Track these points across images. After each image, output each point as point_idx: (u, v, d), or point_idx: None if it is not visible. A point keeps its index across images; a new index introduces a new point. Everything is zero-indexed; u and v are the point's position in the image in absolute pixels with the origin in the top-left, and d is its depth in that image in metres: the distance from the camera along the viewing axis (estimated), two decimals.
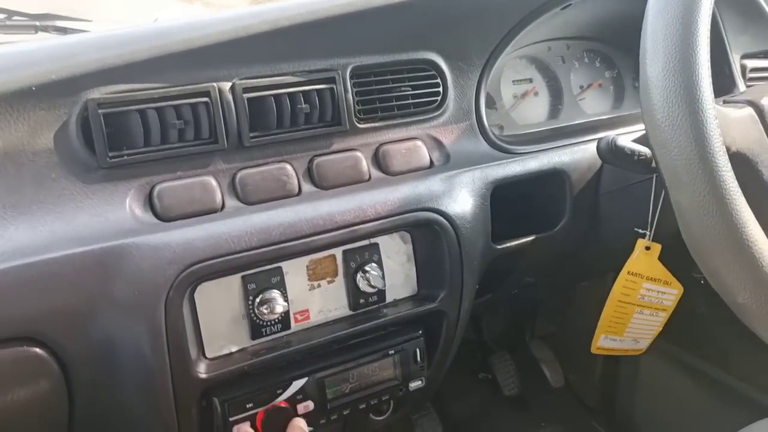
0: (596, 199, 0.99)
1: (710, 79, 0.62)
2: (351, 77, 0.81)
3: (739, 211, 0.60)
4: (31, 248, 0.63)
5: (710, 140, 0.60)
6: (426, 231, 0.84)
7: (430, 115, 0.88)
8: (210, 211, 0.72)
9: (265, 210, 0.74)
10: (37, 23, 1.20)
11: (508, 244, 0.93)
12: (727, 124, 0.67)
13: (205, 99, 0.73)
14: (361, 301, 0.83)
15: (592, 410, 1.59)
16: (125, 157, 0.69)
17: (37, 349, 0.65)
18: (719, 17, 1.05)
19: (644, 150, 0.75)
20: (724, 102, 0.75)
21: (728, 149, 0.65)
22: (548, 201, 0.98)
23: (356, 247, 0.81)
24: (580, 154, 0.96)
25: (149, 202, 0.70)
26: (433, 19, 0.87)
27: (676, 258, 0.83)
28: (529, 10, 0.93)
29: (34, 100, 0.66)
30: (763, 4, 1.07)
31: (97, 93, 0.68)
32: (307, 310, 0.80)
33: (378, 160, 0.83)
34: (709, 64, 0.62)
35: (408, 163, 0.84)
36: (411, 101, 0.86)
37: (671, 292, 0.91)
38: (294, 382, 0.79)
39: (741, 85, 1.06)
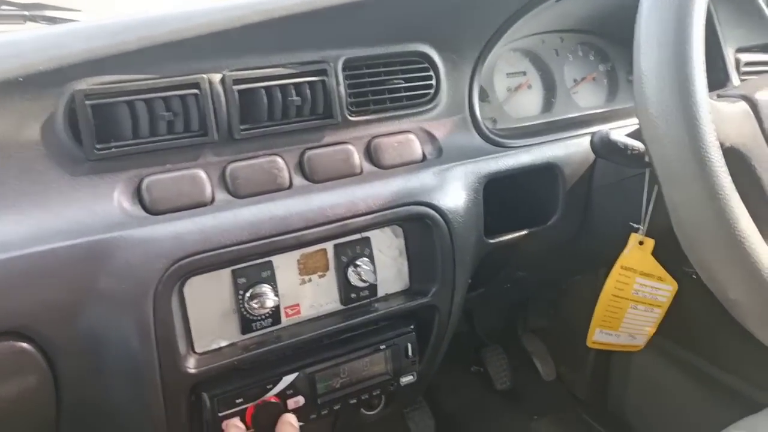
0: (589, 194, 0.99)
1: (704, 74, 0.61)
2: (343, 69, 0.80)
3: (732, 207, 0.60)
4: (16, 241, 0.62)
5: (704, 135, 0.59)
6: (418, 225, 0.83)
7: (423, 108, 0.87)
8: (199, 205, 0.71)
9: (255, 203, 0.73)
10: (26, 13, 1.18)
11: (501, 239, 0.93)
12: (720, 118, 0.67)
13: (195, 91, 0.72)
14: (353, 295, 0.82)
15: (584, 403, 1.60)
16: (113, 150, 0.68)
17: (24, 344, 0.64)
18: (714, 11, 1.05)
19: (637, 144, 0.75)
20: (718, 96, 0.75)
21: (722, 144, 0.65)
22: (541, 195, 0.97)
23: (347, 242, 0.81)
24: (574, 148, 0.95)
25: (138, 195, 0.69)
26: (426, 11, 0.86)
27: (669, 253, 0.83)
28: (523, 2, 0.92)
29: (21, 91, 0.65)
30: None
31: (85, 84, 0.67)
32: (298, 305, 0.80)
33: (370, 153, 0.82)
34: (703, 58, 0.62)
35: (400, 156, 0.83)
36: (403, 94, 0.85)
37: (665, 288, 0.91)
38: (284, 377, 0.79)
39: (735, 79, 1.06)
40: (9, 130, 0.65)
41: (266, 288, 0.75)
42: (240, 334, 0.76)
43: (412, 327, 0.88)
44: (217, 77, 0.73)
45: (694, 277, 0.68)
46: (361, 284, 0.82)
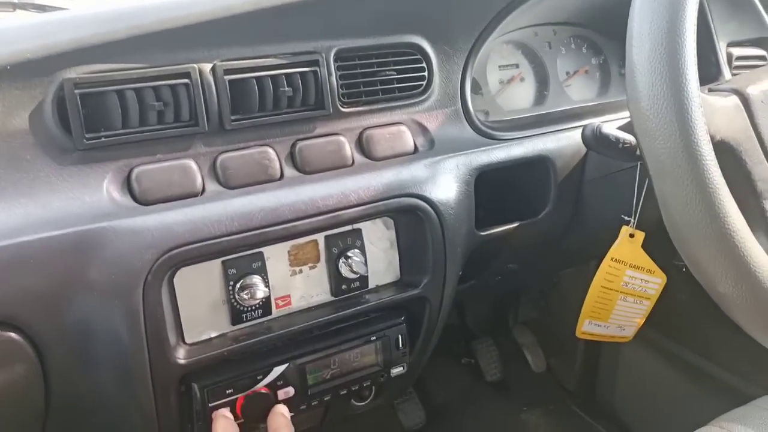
0: (580, 187, 0.99)
1: (696, 68, 0.61)
2: (335, 60, 0.80)
3: (722, 201, 0.60)
4: (4, 231, 0.62)
5: (695, 129, 0.60)
6: (409, 217, 0.83)
7: (415, 100, 0.87)
8: (190, 195, 0.70)
9: (246, 194, 0.73)
10: (16, 0, 1.18)
11: (492, 231, 0.93)
12: (712, 112, 0.67)
13: (185, 80, 0.71)
14: (343, 287, 0.82)
15: (573, 395, 1.61)
16: (102, 139, 0.68)
17: (12, 334, 0.63)
18: (706, 4, 1.05)
19: (629, 138, 0.75)
20: (710, 90, 0.75)
21: (713, 138, 0.65)
22: (532, 188, 0.97)
23: (339, 233, 0.81)
24: (565, 141, 0.95)
25: (127, 185, 0.69)
26: (419, 2, 0.86)
27: (659, 246, 0.83)
28: None
29: (9, 79, 0.64)
30: None
31: (74, 73, 0.67)
32: (289, 296, 0.80)
33: (361, 144, 0.82)
34: (695, 52, 0.62)
35: (392, 148, 0.83)
36: (396, 85, 0.85)
37: (655, 281, 0.91)
38: (275, 368, 0.79)
39: (727, 73, 1.06)
40: None
41: (257, 279, 0.75)
42: (230, 325, 0.76)
43: (402, 318, 0.88)
44: (207, 67, 0.73)
45: (684, 270, 0.68)
46: (352, 276, 0.81)
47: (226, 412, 0.75)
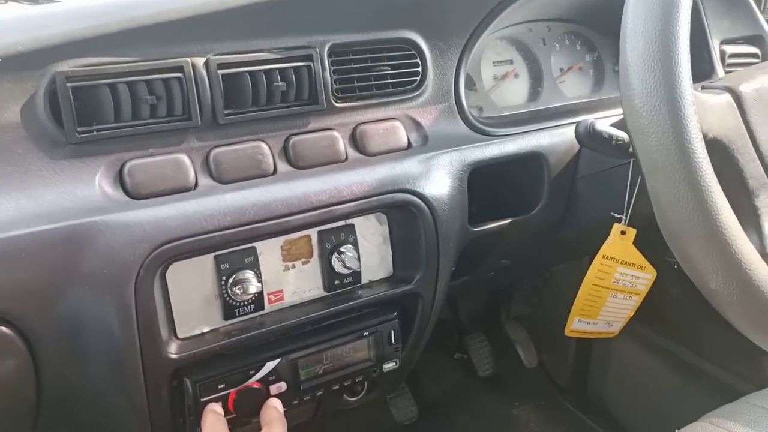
0: (574, 183, 0.99)
1: (689, 65, 0.62)
2: (329, 55, 0.80)
3: (713, 198, 0.60)
4: None
5: (687, 127, 0.60)
6: (402, 212, 0.83)
7: (409, 96, 0.87)
8: (182, 190, 0.70)
9: (239, 189, 0.73)
10: None
11: (485, 227, 0.93)
12: (704, 110, 0.67)
13: (178, 74, 0.71)
14: (336, 282, 0.82)
15: (565, 390, 1.61)
16: (95, 133, 0.68)
17: (3, 328, 0.63)
18: (700, 2, 1.05)
19: (622, 135, 0.75)
20: (703, 88, 0.75)
21: (705, 136, 0.65)
22: (526, 184, 0.97)
23: (332, 228, 0.80)
24: (559, 137, 0.95)
25: (120, 180, 0.69)
26: None
27: (651, 242, 0.83)
28: None
29: (0, 72, 0.64)
30: None
31: (66, 66, 0.66)
32: (281, 291, 0.80)
33: (355, 140, 0.82)
34: (688, 49, 0.62)
35: (385, 143, 0.83)
36: (390, 81, 0.85)
37: (645, 277, 0.92)
38: (267, 363, 0.79)
39: (720, 71, 1.06)
40: None
41: (249, 274, 0.75)
42: (223, 320, 0.76)
43: (395, 314, 0.88)
44: (201, 61, 0.72)
45: (676, 266, 0.69)
46: (344, 271, 0.81)
47: (216, 407, 0.75)
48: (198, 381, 0.75)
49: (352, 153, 0.81)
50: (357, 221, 0.82)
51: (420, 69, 0.87)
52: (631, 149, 0.73)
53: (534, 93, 1.06)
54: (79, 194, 0.66)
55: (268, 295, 0.79)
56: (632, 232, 0.88)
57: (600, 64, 1.13)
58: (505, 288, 1.68)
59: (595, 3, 1.05)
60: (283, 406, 0.79)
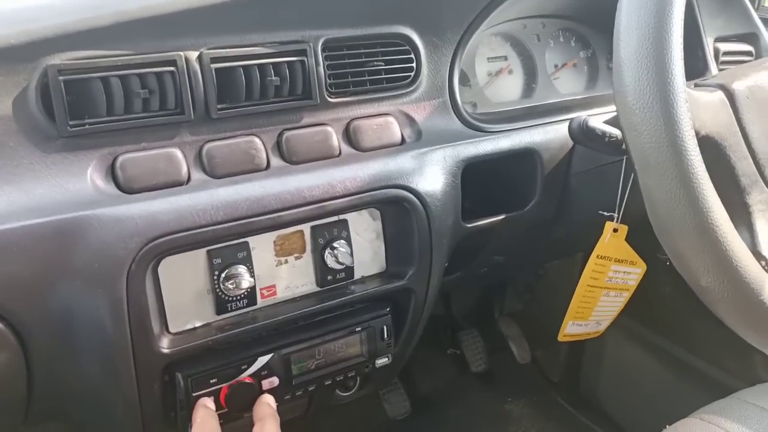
0: (567, 179, 0.99)
1: (682, 63, 0.62)
2: (323, 50, 0.79)
3: (705, 196, 0.60)
4: None
5: (680, 124, 0.60)
6: (396, 208, 0.83)
7: (403, 91, 0.87)
8: (175, 184, 0.70)
9: (232, 184, 0.72)
10: None
11: (478, 223, 0.93)
12: (697, 107, 0.68)
13: (171, 68, 0.71)
14: (329, 277, 0.82)
15: (557, 386, 1.62)
16: (87, 126, 0.67)
17: None
18: (695, 0, 1.05)
19: (615, 132, 0.75)
20: (696, 85, 0.75)
21: (698, 133, 0.65)
22: (519, 180, 0.97)
23: (325, 223, 0.80)
24: (553, 133, 0.96)
25: (112, 173, 0.68)
26: None
27: (643, 239, 0.84)
28: None
29: None
30: None
31: (58, 59, 0.66)
32: (274, 286, 0.80)
33: (349, 135, 0.82)
34: (681, 47, 0.62)
35: (379, 139, 0.83)
36: (384, 76, 0.84)
37: (636, 272, 0.92)
38: (259, 358, 0.79)
39: (713, 69, 1.07)
40: None
41: (242, 269, 0.75)
42: (215, 315, 0.76)
43: (387, 309, 0.88)
44: (194, 55, 0.72)
45: (668, 263, 0.69)
46: (337, 266, 0.81)
47: (207, 401, 0.75)
48: (190, 375, 0.75)
49: (346, 148, 0.81)
50: (350, 217, 0.82)
51: (414, 64, 0.86)
52: (624, 146, 0.73)
53: (528, 89, 1.07)
54: (70, 188, 0.65)
55: (261, 290, 0.79)
56: (624, 229, 0.88)
57: (594, 60, 1.13)
58: (498, 284, 1.69)
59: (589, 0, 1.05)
60: (276, 401, 0.79)
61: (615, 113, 0.68)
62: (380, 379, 0.99)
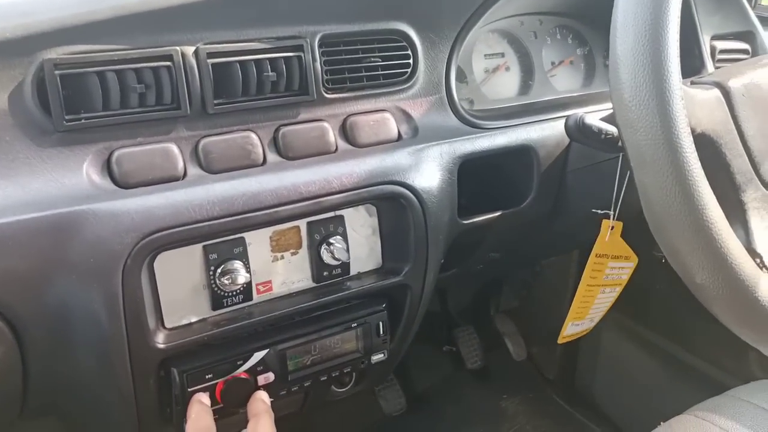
0: (563, 176, 0.99)
1: (678, 60, 0.62)
2: (320, 46, 0.79)
3: (700, 193, 0.60)
4: None
5: (675, 121, 0.60)
6: (392, 204, 0.83)
7: (400, 87, 0.87)
8: (171, 179, 0.70)
9: (228, 179, 0.72)
10: None
11: (474, 219, 0.93)
12: (693, 105, 0.68)
13: (168, 63, 0.70)
14: (325, 273, 0.82)
15: (553, 383, 1.62)
16: (83, 121, 0.67)
17: None
18: None
19: (611, 129, 0.75)
20: (692, 83, 0.76)
21: (693, 131, 0.65)
22: (515, 177, 0.98)
23: (321, 219, 0.80)
24: (549, 130, 0.96)
25: (107, 168, 0.68)
26: None
27: (639, 236, 0.84)
28: None
29: None
30: None
31: (54, 53, 0.66)
32: (270, 282, 0.80)
33: (345, 131, 0.82)
34: (678, 44, 0.62)
35: (376, 135, 0.83)
36: (380, 72, 0.84)
37: (629, 266, 0.92)
38: (255, 354, 0.79)
39: (710, 66, 1.07)
40: None
41: (238, 264, 0.75)
42: (211, 310, 0.76)
43: (383, 306, 0.88)
44: (190, 50, 0.72)
45: (663, 261, 0.69)
46: (333, 262, 0.81)
47: (202, 397, 0.75)
48: (185, 371, 0.75)
49: (342, 144, 0.81)
50: (346, 212, 0.82)
51: (411, 61, 0.86)
52: (620, 143, 0.73)
53: (525, 86, 1.07)
54: (66, 182, 0.65)
55: (257, 285, 0.79)
56: (619, 225, 0.88)
57: (591, 58, 1.13)
58: (494, 281, 1.69)
59: None
60: (271, 397, 0.79)
61: (611, 110, 0.68)
62: (376, 375, 0.99)
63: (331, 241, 0.80)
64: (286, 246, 0.80)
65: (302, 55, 0.78)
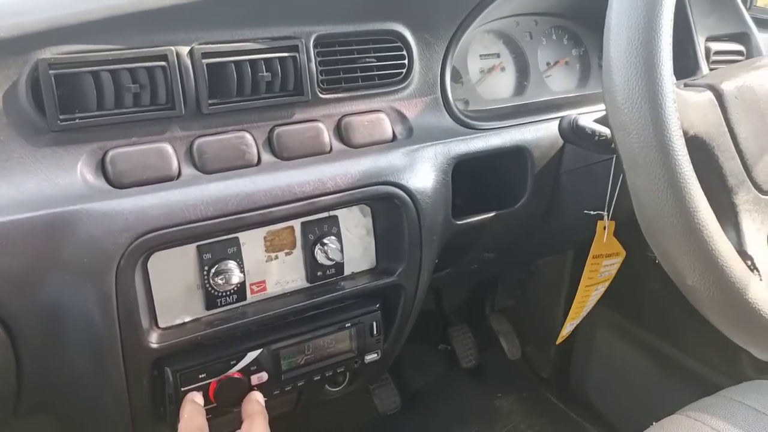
0: (557, 177, 0.99)
1: (671, 63, 0.62)
2: (315, 46, 0.79)
3: (692, 196, 0.61)
4: None
5: (668, 124, 0.60)
6: (386, 205, 0.83)
7: (395, 88, 0.87)
8: (165, 179, 0.70)
9: (222, 179, 0.72)
10: None
11: (468, 220, 0.93)
12: (686, 107, 0.68)
13: (162, 63, 0.70)
14: (319, 273, 0.82)
15: (547, 382, 1.63)
16: (77, 121, 0.67)
17: None
18: None
19: (604, 130, 0.76)
20: (685, 85, 0.76)
21: (686, 133, 0.66)
22: (510, 177, 0.98)
23: (315, 220, 0.81)
24: (543, 131, 0.96)
25: (102, 168, 0.68)
26: None
27: (632, 236, 0.84)
28: None
29: None
30: None
31: (49, 53, 0.66)
32: (264, 282, 0.80)
33: (340, 131, 0.82)
34: (670, 47, 0.62)
35: (370, 135, 0.83)
36: (375, 73, 0.84)
37: (617, 261, 0.93)
38: (248, 353, 0.79)
39: (704, 68, 1.07)
40: None
41: (232, 264, 0.75)
42: (204, 310, 0.76)
43: (377, 306, 0.88)
44: (185, 50, 0.72)
45: (657, 261, 0.69)
46: (327, 262, 0.82)
47: (195, 396, 0.75)
48: (179, 370, 0.75)
49: (337, 144, 0.81)
50: (340, 213, 0.82)
51: (406, 61, 0.86)
52: (613, 145, 0.73)
53: (520, 87, 1.07)
54: (60, 182, 0.65)
55: (251, 285, 0.79)
56: (612, 225, 0.89)
57: (586, 58, 1.13)
58: (489, 280, 1.69)
59: None
60: (264, 396, 0.79)
61: (605, 112, 0.68)
62: (369, 374, 0.99)
63: (325, 241, 0.81)
64: (280, 246, 0.80)
65: (297, 55, 0.78)
